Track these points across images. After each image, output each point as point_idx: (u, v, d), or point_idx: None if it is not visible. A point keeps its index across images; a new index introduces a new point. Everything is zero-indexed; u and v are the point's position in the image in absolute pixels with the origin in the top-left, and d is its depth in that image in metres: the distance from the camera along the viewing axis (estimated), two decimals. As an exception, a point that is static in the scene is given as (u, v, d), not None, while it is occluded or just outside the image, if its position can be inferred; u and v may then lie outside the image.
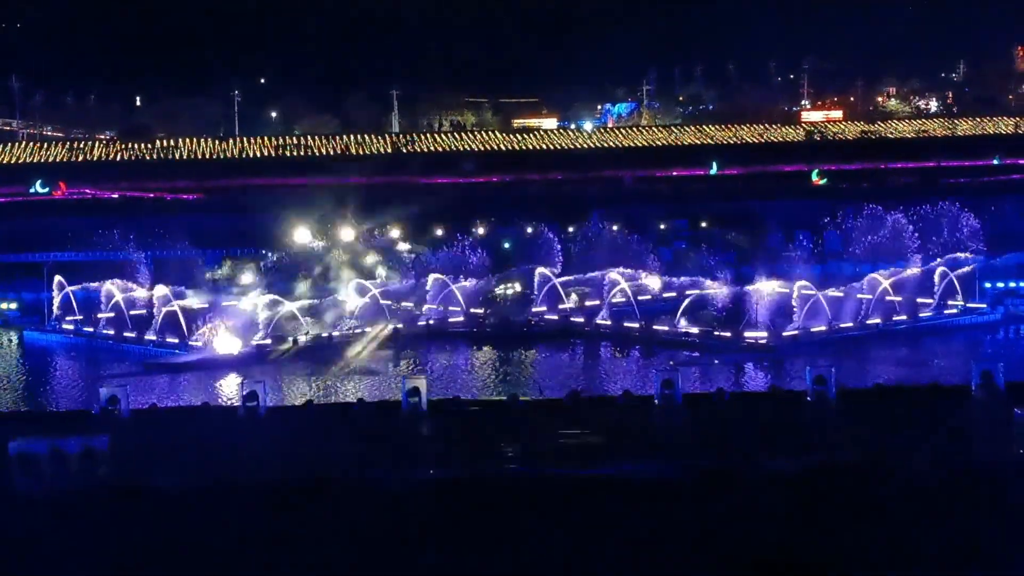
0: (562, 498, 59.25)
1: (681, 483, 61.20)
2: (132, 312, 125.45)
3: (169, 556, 52.48)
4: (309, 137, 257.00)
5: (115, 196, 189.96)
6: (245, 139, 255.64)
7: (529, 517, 56.54)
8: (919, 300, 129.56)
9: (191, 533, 54.99)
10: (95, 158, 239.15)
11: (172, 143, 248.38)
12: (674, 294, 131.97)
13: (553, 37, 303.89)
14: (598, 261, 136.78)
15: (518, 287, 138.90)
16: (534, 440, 68.85)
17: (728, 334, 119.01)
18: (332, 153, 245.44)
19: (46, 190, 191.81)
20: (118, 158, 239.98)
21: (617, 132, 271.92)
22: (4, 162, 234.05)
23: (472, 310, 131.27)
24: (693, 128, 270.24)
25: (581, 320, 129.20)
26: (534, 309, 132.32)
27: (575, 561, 51.94)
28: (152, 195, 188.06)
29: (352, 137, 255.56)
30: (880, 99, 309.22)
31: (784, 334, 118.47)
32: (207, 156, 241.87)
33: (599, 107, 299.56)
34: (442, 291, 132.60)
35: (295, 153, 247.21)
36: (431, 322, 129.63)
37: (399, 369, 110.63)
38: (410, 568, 51.48)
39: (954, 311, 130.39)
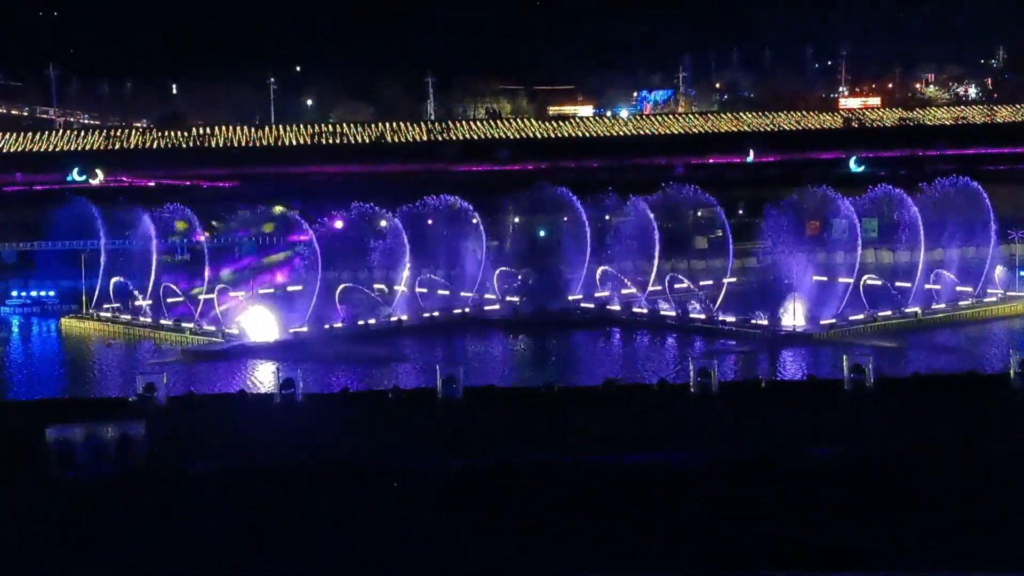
0: (597, 486, 59.04)
1: (717, 471, 60.98)
2: (169, 300, 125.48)
3: (204, 540, 52.60)
4: (344, 125, 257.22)
5: (151, 184, 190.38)
6: (281, 127, 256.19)
7: (563, 504, 56.39)
8: (959, 288, 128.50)
9: (226, 518, 55.07)
10: (131, 146, 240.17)
11: (208, 131, 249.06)
12: (711, 282, 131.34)
13: (589, 23, 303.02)
14: (635, 248, 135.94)
15: (549, 274, 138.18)
16: (570, 428, 68.66)
17: (765, 322, 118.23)
18: (367, 141, 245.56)
19: (83, 178, 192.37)
20: (154, 146, 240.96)
21: (653, 119, 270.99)
22: (41, 150, 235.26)
23: (508, 298, 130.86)
24: (729, 115, 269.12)
25: (617, 308, 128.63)
26: (570, 297, 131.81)
27: (609, 548, 51.80)
28: (188, 183, 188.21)
29: (387, 125, 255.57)
30: (918, 85, 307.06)
31: (822, 323, 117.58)
32: (243, 144, 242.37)
33: (635, 94, 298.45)
34: (479, 278, 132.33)
35: (330, 140, 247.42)
36: (467, 310, 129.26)
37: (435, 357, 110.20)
38: (445, 552, 51.53)
39: (993, 299, 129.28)
